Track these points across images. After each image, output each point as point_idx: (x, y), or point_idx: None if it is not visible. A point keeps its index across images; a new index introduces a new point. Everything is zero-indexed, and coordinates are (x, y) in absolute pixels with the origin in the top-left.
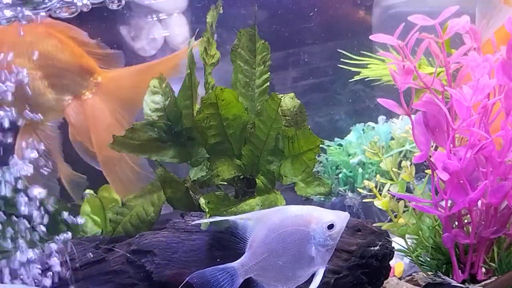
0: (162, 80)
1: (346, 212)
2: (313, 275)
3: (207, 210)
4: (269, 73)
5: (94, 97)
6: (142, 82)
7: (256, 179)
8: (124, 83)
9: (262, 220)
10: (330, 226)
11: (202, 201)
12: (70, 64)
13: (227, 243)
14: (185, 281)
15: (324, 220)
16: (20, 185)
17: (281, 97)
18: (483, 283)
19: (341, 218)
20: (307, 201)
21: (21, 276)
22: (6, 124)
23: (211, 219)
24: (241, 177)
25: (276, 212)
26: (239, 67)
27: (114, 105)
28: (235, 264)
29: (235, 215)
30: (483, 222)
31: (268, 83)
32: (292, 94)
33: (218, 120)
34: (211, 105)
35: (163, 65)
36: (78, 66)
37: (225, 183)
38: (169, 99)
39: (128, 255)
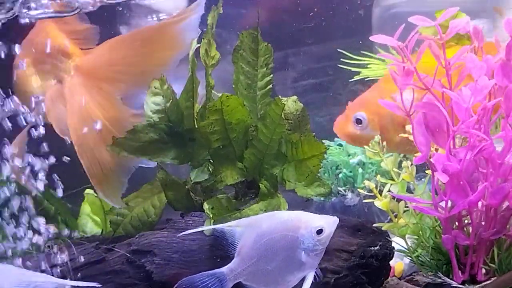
0: (164, 82)
1: (335, 217)
2: (303, 279)
3: (211, 216)
4: (271, 75)
5: (71, 80)
6: (119, 59)
7: (260, 184)
8: (100, 63)
9: (251, 226)
10: (319, 231)
11: (206, 206)
12: (49, 48)
13: None
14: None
15: (313, 225)
16: None
17: (284, 100)
18: (483, 284)
19: (330, 223)
20: (307, 201)
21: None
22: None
23: (201, 228)
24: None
25: (265, 218)
26: (241, 68)
27: (92, 87)
28: (224, 269)
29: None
30: (483, 223)
31: (271, 86)
32: (295, 97)
33: (222, 125)
34: (216, 111)
35: (138, 37)
36: (56, 50)
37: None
38: (171, 100)
39: (128, 255)
